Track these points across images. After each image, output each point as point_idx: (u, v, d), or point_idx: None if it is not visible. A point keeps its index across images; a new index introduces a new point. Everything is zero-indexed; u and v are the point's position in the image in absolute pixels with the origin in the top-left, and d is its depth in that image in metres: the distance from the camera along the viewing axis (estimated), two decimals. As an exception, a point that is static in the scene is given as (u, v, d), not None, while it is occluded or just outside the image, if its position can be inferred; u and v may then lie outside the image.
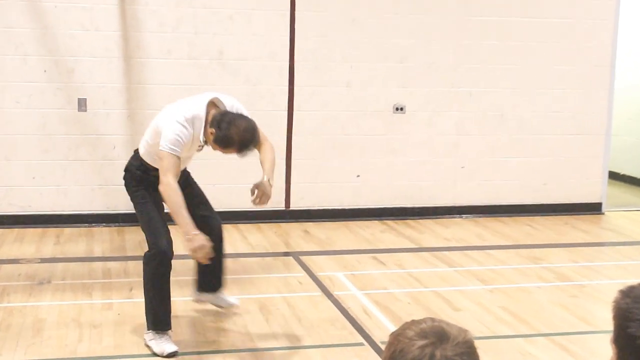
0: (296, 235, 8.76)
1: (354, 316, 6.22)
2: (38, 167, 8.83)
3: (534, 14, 9.65)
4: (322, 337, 5.80)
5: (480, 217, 9.71)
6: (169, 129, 5.32)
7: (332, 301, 6.56)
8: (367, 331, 5.92)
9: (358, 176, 9.48)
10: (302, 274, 7.33)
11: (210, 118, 5.38)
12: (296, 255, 7.92)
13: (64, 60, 8.73)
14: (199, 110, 5.40)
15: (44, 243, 8.22)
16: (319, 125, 9.21)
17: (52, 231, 8.65)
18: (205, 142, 5.48)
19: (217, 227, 6.02)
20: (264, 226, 9.05)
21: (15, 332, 5.75)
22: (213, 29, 8.97)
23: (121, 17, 8.79)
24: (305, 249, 8.16)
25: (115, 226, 8.91)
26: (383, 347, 5.48)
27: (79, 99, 8.79)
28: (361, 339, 5.78)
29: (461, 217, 9.70)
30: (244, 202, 9.14)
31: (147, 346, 5.47)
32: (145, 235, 5.68)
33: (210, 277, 6.06)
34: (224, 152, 5.50)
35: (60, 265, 7.48)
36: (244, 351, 5.51)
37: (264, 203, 5.83)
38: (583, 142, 10.01)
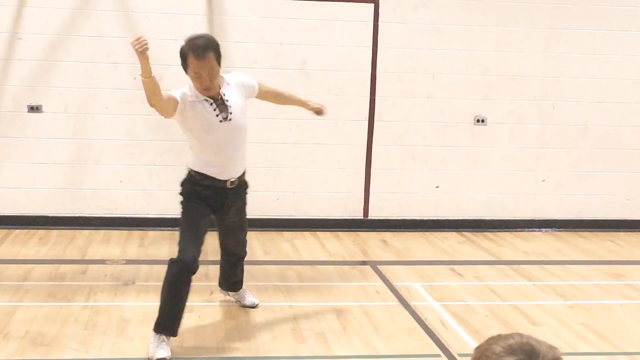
0: (374, 244, 8.74)
1: (430, 327, 6.18)
2: (125, 171, 8.96)
3: (621, 27, 9.48)
4: (399, 347, 5.77)
5: (560, 231, 9.58)
6: None
7: (409, 311, 6.52)
8: (444, 343, 5.87)
9: (437, 187, 9.43)
10: (380, 283, 7.30)
11: None
12: (374, 265, 7.90)
13: (154, 67, 8.80)
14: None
15: (129, 245, 8.35)
16: (400, 136, 9.18)
17: (137, 233, 8.79)
18: (214, 100, 5.56)
19: (242, 252, 6.39)
20: (342, 235, 9.05)
21: (101, 331, 5.84)
22: (297, 39, 9.02)
23: (209, 27, 8.89)
24: (382, 259, 8.14)
25: (197, 231, 8.99)
26: (459, 358, 5.45)
27: (165, 105, 8.89)
28: (438, 351, 5.74)
29: (541, 231, 9.58)
30: (323, 211, 9.21)
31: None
32: (178, 240, 5.63)
33: (232, 280, 6.39)
34: (194, 73, 5.47)
35: (144, 267, 7.58)
36: (321, 358, 5.50)
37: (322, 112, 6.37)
38: (668, 158, 9.82)
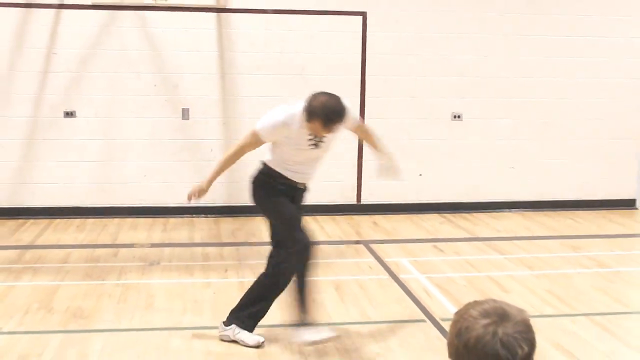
0: (366, 226, 8.75)
1: (416, 296, 6.19)
2: (148, 166, 8.98)
3: (579, 33, 9.49)
4: (389, 314, 5.78)
5: (527, 211, 9.59)
6: (265, 116, 5.03)
7: (398, 283, 6.53)
8: (428, 310, 5.89)
9: (420, 175, 9.44)
10: (372, 259, 7.32)
11: None
12: (366, 244, 7.91)
13: (171, 76, 8.86)
14: (296, 107, 4.93)
15: (154, 231, 8.36)
16: (387, 131, 9.16)
17: (160, 221, 8.80)
18: (314, 137, 4.95)
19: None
20: (339, 218, 9.06)
21: (132, 305, 5.87)
22: (296, 48, 9.01)
23: (218, 40, 8.88)
24: (374, 238, 8.15)
25: (212, 217, 9.01)
26: (442, 323, 5.48)
27: (182, 109, 8.91)
28: (423, 316, 5.75)
29: (510, 212, 9.59)
30: (321, 198, 9.22)
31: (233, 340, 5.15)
32: (285, 232, 5.18)
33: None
34: (314, 129, 4.81)
35: (167, 249, 7.60)
36: (322, 325, 5.51)
37: (396, 175, 5.43)
38: (619, 146, 9.83)
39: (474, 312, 1.85)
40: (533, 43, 9.44)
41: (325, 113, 4.71)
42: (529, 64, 9.48)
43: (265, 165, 5.23)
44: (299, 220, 5.13)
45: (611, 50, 9.61)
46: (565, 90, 9.60)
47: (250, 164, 9.20)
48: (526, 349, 1.81)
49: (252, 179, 5.32)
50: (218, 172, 5.19)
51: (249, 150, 5.13)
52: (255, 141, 5.05)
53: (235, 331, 5.13)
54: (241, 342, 5.09)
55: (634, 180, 9.96)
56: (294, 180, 5.17)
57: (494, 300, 1.90)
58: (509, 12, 9.35)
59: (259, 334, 5.16)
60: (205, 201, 9.05)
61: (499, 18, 9.34)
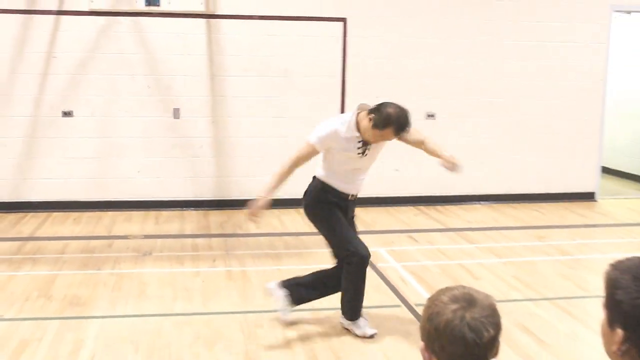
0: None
1: (393, 284, 6.21)
2: (142, 163, 8.93)
3: (543, 38, 9.53)
4: (368, 300, 5.73)
5: (496, 203, 9.62)
6: (317, 127, 5.04)
7: (375, 271, 6.53)
8: (403, 296, 5.91)
9: (397, 170, 9.44)
10: (351, 249, 7.31)
11: (361, 116, 4.90)
12: (346, 234, 7.90)
13: (163, 78, 8.82)
14: (348, 116, 4.96)
15: (147, 223, 8.33)
16: (365, 129, 9.17)
17: (152, 214, 8.76)
18: (363, 143, 4.93)
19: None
20: (321, 210, 9.04)
21: (125, 292, 5.85)
22: (281, 52, 8.99)
23: (207, 44, 8.85)
24: (354, 229, 8.16)
25: (202, 210, 8.98)
26: (417, 308, 5.49)
27: (174, 109, 8.87)
28: (399, 302, 5.77)
29: (480, 204, 9.62)
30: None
31: (347, 329, 5.16)
32: (341, 243, 5.10)
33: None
34: (381, 136, 4.85)
35: (159, 240, 7.57)
36: (304, 310, 5.51)
37: (456, 167, 5.22)
38: (580, 142, 9.88)
39: (444, 298, 1.86)
40: (502, 48, 9.47)
41: (399, 122, 4.79)
42: (498, 68, 9.51)
43: (317, 179, 5.21)
44: (351, 234, 5.11)
45: (573, 55, 9.65)
46: (532, 91, 9.63)
47: (239, 160, 9.18)
48: (492, 332, 1.81)
49: (305, 195, 5.28)
50: (276, 185, 5.13)
51: (304, 161, 5.08)
52: (310, 151, 5.03)
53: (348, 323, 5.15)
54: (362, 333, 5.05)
55: (594, 174, 10.01)
56: (344, 192, 5.12)
57: (463, 287, 1.91)
58: (479, 19, 9.36)
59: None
60: (195, 195, 9.06)
61: (470, 24, 9.35)
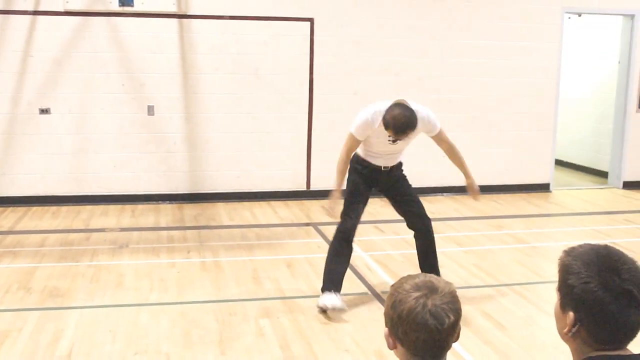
0: (315, 210, 8.75)
1: (360, 272, 6.24)
2: (118, 158, 8.87)
3: (502, 38, 9.61)
4: (336, 288, 5.81)
5: (457, 195, 9.68)
6: (356, 117, 5.31)
7: (343, 260, 6.56)
8: (370, 283, 5.94)
9: (363, 164, 9.46)
10: (320, 239, 7.33)
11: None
12: (315, 225, 7.93)
13: (137, 76, 8.76)
14: (382, 106, 5.15)
15: (123, 216, 8.27)
16: (332, 124, 9.20)
17: (128, 207, 8.70)
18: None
19: (420, 227, 5.70)
20: (290, 203, 9.06)
21: (103, 284, 5.82)
22: (251, 51, 8.97)
23: (180, 43, 8.80)
24: (322, 221, 8.15)
25: (176, 203, 8.95)
26: (382, 295, 5.52)
27: (148, 106, 8.82)
28: (365, 289, 5.81)
29: (443, 195, 9.69)
30: (275, 185, 9.21)
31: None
32: (342, 212, 5.43)
33: (425, 263, 5.70)
34: (392, 135, 5.06)
35: (135, 233, 7.52)
36: (275, 299, 5.53)
37: (478, 195, 5.86)
38: (536, 137, 9.99)
39: (407, 286, 1.88)
40: (462, 47, 9.54)
41: (395, 126, 4.98)
42: (459, 66, 9.57)
43: (355, 154, 5.51)
44: (352, 208, 5.41)
45: (528, 54, 9.75)
46: (490, 89, 9.71)
47: (211, 155, 9.15)
48: (452, 318, 1.84)
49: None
50: (340, 178, 5.41)
51: (353, 150, 5.42)
52: (354, 141, 5.34)
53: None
54: None
55: (548, 167, 10.13)
56: (375, 164, 5.45)
57: (425, 275, 1.93)
58: (441, 20, 9.41)
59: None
60: (169, 189, 9.02)
61: (432, 24, 9.40)
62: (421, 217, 5.70)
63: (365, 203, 5.52)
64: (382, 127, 5.10)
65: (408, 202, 5.67)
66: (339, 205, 5.37)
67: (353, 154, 5.47)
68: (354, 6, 9.19)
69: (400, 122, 4.98)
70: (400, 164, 5.67)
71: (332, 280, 5.31)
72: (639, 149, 10.44)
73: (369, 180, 5.51)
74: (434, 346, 1.83)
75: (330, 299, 5.18)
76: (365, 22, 9.23)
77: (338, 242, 5.40)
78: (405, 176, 5.73)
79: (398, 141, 5.19)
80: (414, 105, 5.16)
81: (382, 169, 5.49)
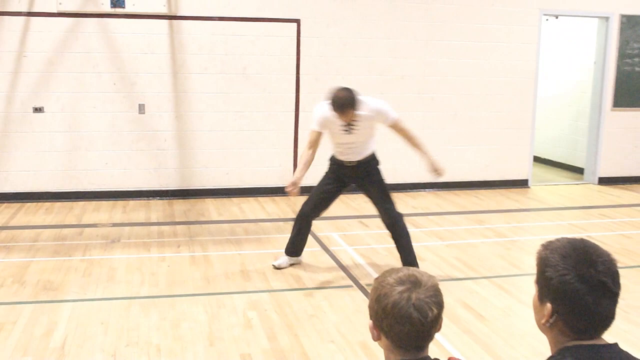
0: (301, 205, 8.72)
1: (345, 265, 6.25)
2: (109, 155, 8.82)
3: (482, 39, 9.64)
4: (322, 281, 5.82)
5: (439, 190, 9.72)
6: (313, 114, 5.75)
7: (329, 254, 6.58)
8: (354, 276, 5.95)
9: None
10: (307, 233, 7.33)
11: None
12: (302, 220, 7.92)
13: (128, 75, 8.71)
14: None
15: (115, 212, 8.24)
16: (318, 123, 9.17)
17: (120, 203, 8.67)
18: (345, 124, 5.55)
19: (387, 222, 5.86)
20: (277, 199, 9.05)
21: (95, 278, 5.79)
22: (239, 51, 8.95)
23: (170, 43, 8.76)
24: (308, 215, 8.17)
25: (166, 199, 8.92)
26: (367, 288, 5.53)
27: (139, 104, 8.78)
28: (350, 282, 5.81)
29: (425, 191, 9.71)
30: (262, 181, 9.20)
31: None
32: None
33: (404, 258, 5.87)
34: (340, 116, 5.43)
35: (126, 228, 7.49)
36: (263, 292, 5.53)
37: (441, 172, 5.89)
38: (515, 134, 10.03)
39: (391, 280, 1.87)
40: (444, 47, 9.55)
41: (335, 103, 5.36)
42: (440, 65, 9.59)
43: (332, 154, 5.94)
44: (314, 197, 5.98)
45: (508, 54, 9.78)
46: (471, 88, 9.74)
47: (200, 152, 9.13)
48: (436, 311, 1.84)
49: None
50: (300, 166, 5.74)
51: (315, 144, 5.71)
52: (314, 133, 5.70)
53: None
54: None
55: (527, 163, 10.17)
56: (340, 158, 5.81)
57: (408, 269, 1.92)
58: (423, 21, 9.42)
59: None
60: (160, 185, 8.98)
61: (414, 26, 9.41)
62: (387, 213, 5.83)
63: (328, 196, 5.94)
64: (334, 118, 5.47)
65: (375, 199, 5.88)
66: (297, 189, 5.63)
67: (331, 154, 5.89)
68: (339, 8, 9.18)
69: (339, 99, 5.33)
70: (370, 160, 5.85)
71: (287, 247, 6.10)
72: (614, 146, 10.52)
73: (339, 176, 5.88)
74: (417, 338, 1.83)
75: (279, 259, 6.08)
76: (350, 24, 9.23)
77: (296, 219, 6.06)
78: (379, 172, 5.92)
79: (352, 130, 5.54)
80: (365, 98, 5.59)
81: (347, 163, 5.79)
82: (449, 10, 9.51)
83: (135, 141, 8.86)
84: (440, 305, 1.86)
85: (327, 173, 5.98)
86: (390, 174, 9.55)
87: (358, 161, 5.79)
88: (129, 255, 6.47)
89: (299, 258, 6.19)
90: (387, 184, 5.95)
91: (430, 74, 9.58)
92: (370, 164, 5.87)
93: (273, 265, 6.09)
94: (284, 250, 6.19)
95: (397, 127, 5.77)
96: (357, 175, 5.87)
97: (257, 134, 9.15)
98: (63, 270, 5.95)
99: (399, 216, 5.85)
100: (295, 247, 6.10)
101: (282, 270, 6.07)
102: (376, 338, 1.90)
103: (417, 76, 9.54)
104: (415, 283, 1.85)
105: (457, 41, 9.59)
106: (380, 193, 5.87)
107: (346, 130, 5.59)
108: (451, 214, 8.39)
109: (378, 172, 5.90)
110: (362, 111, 5.53)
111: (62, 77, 8.57)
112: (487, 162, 10.00)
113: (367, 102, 5.61)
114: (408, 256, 5.81)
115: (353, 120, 5.54)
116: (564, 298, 1.78)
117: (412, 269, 1.91)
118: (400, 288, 1.83)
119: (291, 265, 6.15)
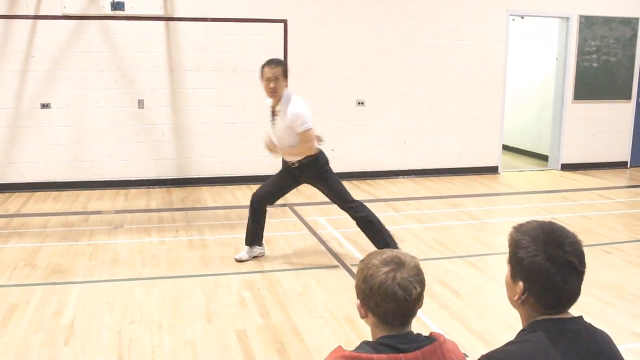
0: (291, 192, 8.71)
1: (331, 247, 6.24)
2: (112, 147, 8.77)
3: (454, 37, 9.64)
4: (310, 262, 5.82)
5: (417, 177, 9.74)
6: (301, 114, 5.42)
7: (316, 237, 6.57)
8: (340, 258, 5.95)
9: (333, 150, 9.45)
10: (295, 218, 7.33)
11: None
12: (291, 206, 7.91)
13: (128, 73, 8.65)
14: (299, 97, 5.53)
15: (117, 200, 8.19)
16: (305, 116, 9.16)
17: (122, 192, 8.62)
18: (272, 112, 5.44)
19: (351, 216, 5.63)
20: (269, 186, 9.02)
21: (100, 261, 5.76)
22: (231, 49, 8.90)
23: (167, 43, 8.70)
24: (297, 201, 8.15)
25: (165, 187, 8.88)
26: (352, 268, 5.54)
27: (138, 99, 8.72)
28: (337, 263, 5.81)
29: (404, 178, 9.72)
30: (254, 169, 9.18)
31: None
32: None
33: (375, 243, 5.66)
34: (265, 81, 5.29)
35: (128, 215, 7.46)
36: (256, 272, 5.52)
37: (274, 151, 5.53)
38: (486, 125, 10.06)
39: (376, 261, 1.87)
40: (420, 46, 9.55)
41: (267, 60, 5.34)
42: (417, 62, 9.58)
43: None
44: (265, 187, 5.71)
45: (478, 51, 9.79)
46: (445, 82, 9.74)
47: (196, 144, 9.08)
48: (418, 289, 1.84)
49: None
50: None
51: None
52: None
53: None
54: None
55: (497, 152, 10.21)
56: (284, 159, 5.61)
57: (391, 250, 1.92)
58: (401, 22, 9.41)
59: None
60: (159, 175, 8.94)
61: (393, 26, 9.39)
62: (347, 209, 5.64)
63: (282, 187, 5.68)
64: (268, 108, 5.44)
65: (332, 200, 5.70)
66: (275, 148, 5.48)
67: None
68: (324, 9, 9.15)
69: (272, 59, 5.34)
70: (309, 163, 5.47)
71: (247, 236, 5.75)
72: (575, 136, 10.58)
73: (291, 174, 5.62)
74: (402, 314, 1.84)
75: (240, 252, 5.78)
76: (333, 24, 9.20)
77: (251, 204, 5.72)
78: (324, 174, 5.55)
79: (274, 121, 5.38)
80: (295, 98, 5.38)
81: (289, 163, 5.56)
82: (424, 12, 9.50)
83: (136, 134, 8.81)
84: (422, 283, 1.86)
85: (281, 168, 5.73)
86: (371, 162, 9.62)
87: (299, 162, 5.46)
88: (131, 240, 6.45)
89: (262, 250, 5.85)
90: (337, 182, 5.59)
91: (408, 70, 9.57)
92: (310, 167, 5.49)
93: (235, 258, 5.74)
94: (245, 244, 5.79)
95: (302, 138, 5.36)
96: (304, 177, 5.58)
97: (248, 126, 9.12)
98: (71, 254, 5.93)
99: (358, 210, 5.53)
100: (254, 236, 5.73)
101: (273, 252, 6.06)
102: (363, 316, 1.90)
103: (396, 72, 9.53)
104: (399, 264, 1.85)
105: (432, 40, 9.59)
106: (332, 196, 5.62)
107: (272, 120, 5.42)
108: (428, 199, 8.40)
109: (323, 175, 5.53)
110: (285, 106, 5.29)
111: (67, 76, 8.49)
112: (460, 151, 10.02)
113: (292, 103, 5.29)
114: (378, 244, 5.53)
115: (274, 91, 5.27)
116: (535, 277, 1.79)
117: (395, 251, 1.91)
118: (385, 269, 1.83)
119: (254, 257, 5.79)
